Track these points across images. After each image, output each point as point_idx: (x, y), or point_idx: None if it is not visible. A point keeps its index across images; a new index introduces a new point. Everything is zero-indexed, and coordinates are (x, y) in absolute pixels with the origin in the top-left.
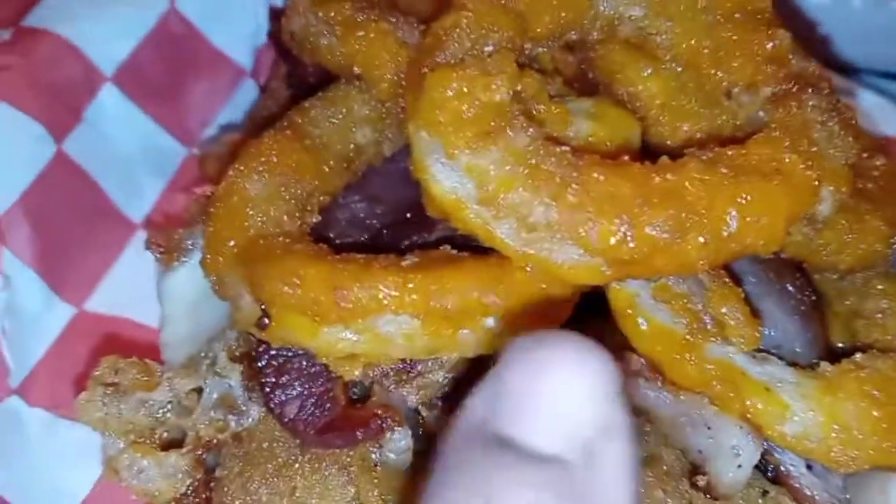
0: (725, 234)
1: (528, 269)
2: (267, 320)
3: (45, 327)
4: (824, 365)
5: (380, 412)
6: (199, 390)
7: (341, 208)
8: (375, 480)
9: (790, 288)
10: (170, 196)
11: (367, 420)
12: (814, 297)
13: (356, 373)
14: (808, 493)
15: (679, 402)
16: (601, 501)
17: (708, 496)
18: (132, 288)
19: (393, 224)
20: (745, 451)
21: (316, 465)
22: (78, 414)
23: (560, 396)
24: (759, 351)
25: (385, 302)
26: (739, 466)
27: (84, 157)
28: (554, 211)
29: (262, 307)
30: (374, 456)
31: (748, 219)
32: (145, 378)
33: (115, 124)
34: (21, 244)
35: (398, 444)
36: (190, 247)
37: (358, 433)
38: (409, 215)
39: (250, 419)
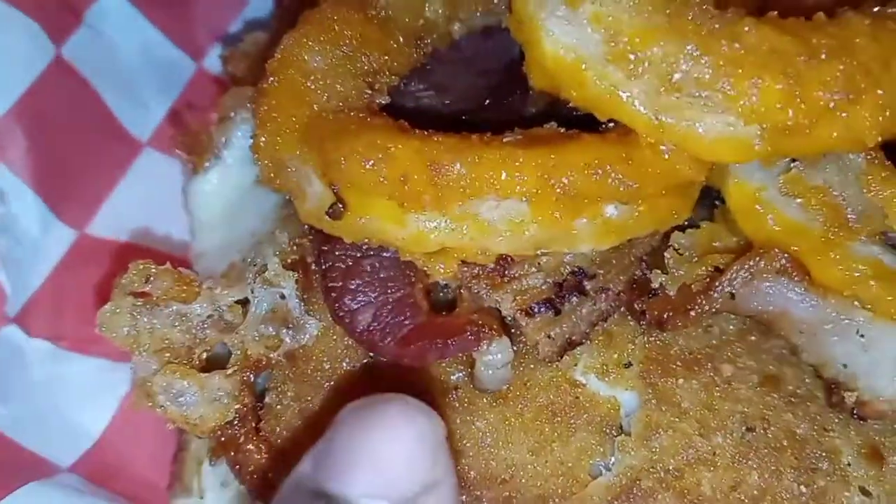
0: None
1: (662, 147)
2: (342, 207)
3: (44, 252)
4: None
5: (476, 318)
6: (245, 302)
7: (405, 97)
8: (456, 403)
9: None
10: (178, 115)
11: (459, 328)
12: None
13: (450, 270)
14: None
15: (826, 305)
16: None
17: (856, 416)
18: (138, 211)
19: (468, 111)
20: None
21: (388, 387)
22: (102, 328)
23: (384, 456)
24: None
25: (491, 180)
26: None
27: (85, 65)
28: (706, 66)
29: (336, 191)
30: (454, 377)
31: None
32: (182, 287)
33: (118, 31)
34: (17, 158)
35: (496, 356)
36: (222, 146)
37: (450, 344)
38: (487, 102)
39: (307, 335)
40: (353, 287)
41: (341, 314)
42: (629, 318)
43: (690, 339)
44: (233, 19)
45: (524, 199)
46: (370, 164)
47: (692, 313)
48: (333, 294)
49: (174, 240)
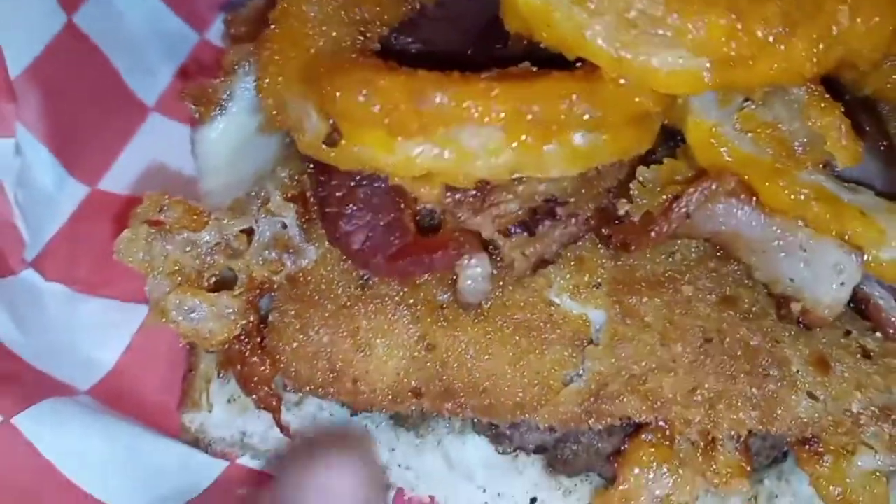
0: (835, 31)
1: (623, 81)
2: (337, 136)
3: (58, 205)
4: None
5: (457, 236)
6: (250, 232)
7: (394, 47)
8: (441, 320)
9: (867, 128)
10: (182, 82)
11: (443, 244)
12: (889, 142)
13: (435, 192)
14: None
15: (772, 223)
16: None
17: (801, 325)
18: (146, 170)
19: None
20: (847, 267)
21: (379, 305)
22: (120, 253)
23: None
24: (847, 181)
25: (470, 109)
26: (842, 284)
27: (95, 33)
28: (658, 3)
29: (332, 123)
30: (440, 297)
31: (858, 19)
32: (192, 217)
33: (126, 2)
34: (32, 117)
35: (476, 270)
36: (226, 97)
37: (436, 257)
38: (469, 52)
39: (306, 260)
40: (347, 212)
41: (337, 236)
42: (598, 245)
43: (655, 263)
44: None
45: (499, 126)
46: (362, 96)
47: (653, 234)
48: (329, 218)
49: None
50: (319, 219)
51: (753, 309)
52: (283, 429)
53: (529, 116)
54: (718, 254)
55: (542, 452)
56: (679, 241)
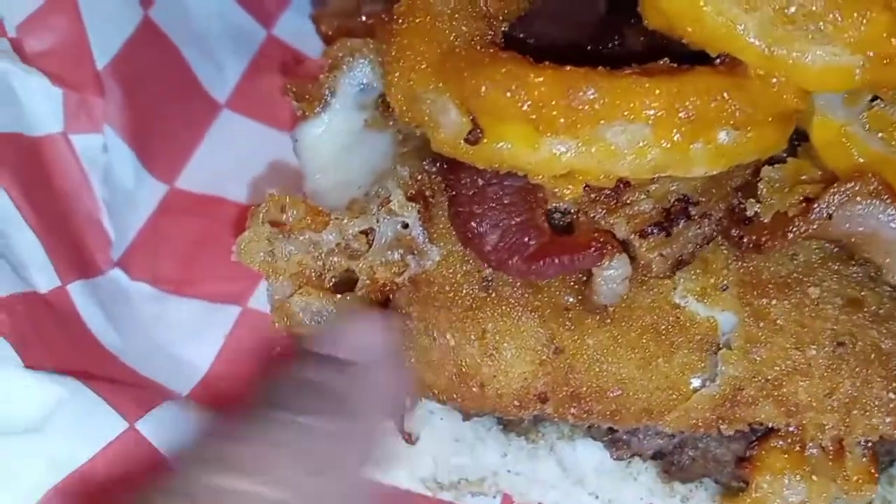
0: None
1: (773, 78)
2: (480, 133)
3: (139, 203)
4: None
5: (597, 236)
6: (369, 232)
7: (513, 42)
8: (567, 322)
9: None
10: (250, 79)
11: (583, 245)
12: None
13: (577, 191)
14: None
15: None
16: None
17: None
18: (220, 168)
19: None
20: None
21: (505, 308)
22: (240, 254)
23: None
24: None
25: (622, 105)
26: None
27: (169, 28)
28: None
29: (473, 119)
30: (565, 299)
31: None
32: (314, 217)
33: None
34: (114, 113)
35: (616, 271)
36: (329, 93)
37: (576, 258)
38: (588, 48)
39: (430, 261)
40: (479, 212)
41: (470, 236)
42: (722, 246)
43: (779, 265)
44: None
45: (650, 123)
46: (510, 91)
47: (790, 234)
48: (461, 218)
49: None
50: (450, 219)
51: (881, 311)
52: (406, 435)
53: (682, 114)
54: (840, 256)
55: (660, 458)
56: (800, 245)
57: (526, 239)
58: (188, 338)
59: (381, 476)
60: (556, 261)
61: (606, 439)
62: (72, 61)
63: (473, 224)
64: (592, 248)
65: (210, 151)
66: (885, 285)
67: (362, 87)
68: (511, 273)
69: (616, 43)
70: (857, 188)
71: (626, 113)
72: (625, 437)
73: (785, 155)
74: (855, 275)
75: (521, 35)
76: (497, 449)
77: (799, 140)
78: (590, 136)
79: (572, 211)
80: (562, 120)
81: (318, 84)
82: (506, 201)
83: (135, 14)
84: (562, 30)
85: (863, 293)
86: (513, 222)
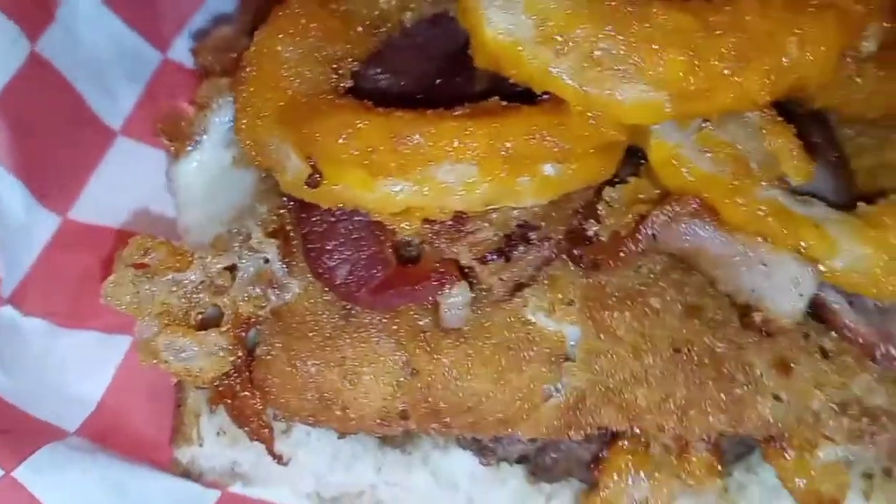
0: (786, 63)
1: (588, 113)
2: (319, 177)
3: (31, 236)
4: (861, 205)
5: (438, 267)
6: (233, 268)
7: (366, 80)
8: (423, 344)
9: (818, 141)
10: (147, 104)
11: (425, 276)
12: (838, 153)
13: (414, 227)
14: (852, 325)
15: (733, 241)
16: None
17: (764, 332)
18: (116, 196)
19: (421, 90)
20: (804, 280)
21: (364, 334)
22: (107, 298)
23: None
24: (800, 195)
25: (446, 148)
26: (800, 295)
27: (59, 59)
28: (621, 43)
29: (313, 164)
30: (421, 322)
31: (806, 48)
32: (176, 258)
33: (88, 25)
34: (2, 148)
35: (457, 298)
36: (201, 131)
37: (418, 288)
38: (437, 82)
39: (290, 293)
40: (329, 247)
41: (321, 271)
42: (570, 263)
43: (623, 278)
44: (196, 12)
45: (474, 162)
46: (342, 139)
47: (622, 254)
48: (313, 254)
49: (156, 220)
50: (303, 255)
51: (717, 318)
52: (276, 457)
53: (503, 152)
54: (682, 265)
55: (524, 462)
56: (644, 258)
57: (373, 272)
58: (80, 370)
59: (264, 492)
60: (400, 291)
61: (474, 448)
62: None
63: (324, 259)
64: (433, 279)
65: (105, 180)
66: (722, 295)
67: (230, 125)
68: (360, 304)
69: (465, 74)
70: (677, 209)
71: (451, 154)
72: (490, 444)
73: (628, 174)
74: (697, 283)
75: (377, 70)
76: (372, 464)
77: (640, 159)
78: (421, 177)
79: (418, 242)
80: (392, 163)
81: (189, 123)
82: (354, 236)
83: (21, 49)
84: (417, 62)
85: (703, 300)
86: (361, 256)
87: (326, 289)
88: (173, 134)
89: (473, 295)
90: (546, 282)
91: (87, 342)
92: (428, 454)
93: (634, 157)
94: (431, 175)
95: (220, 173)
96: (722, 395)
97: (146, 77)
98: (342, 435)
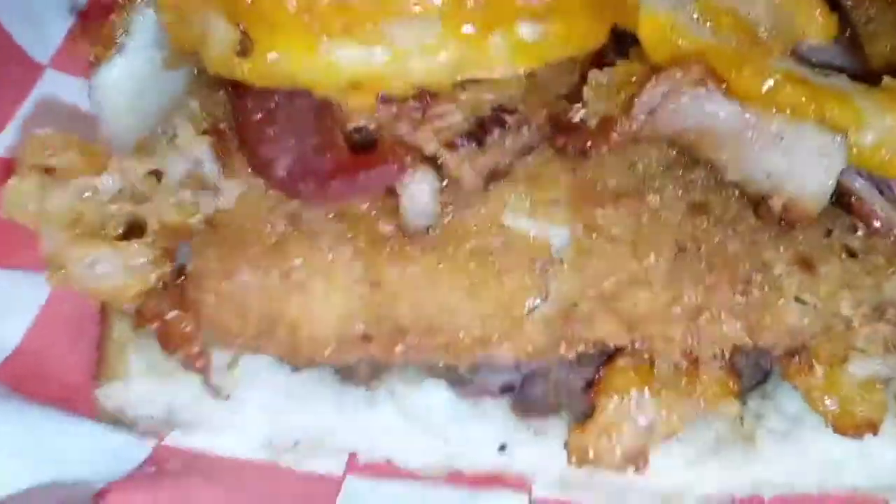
0: None
1: None
2: (250, 43)
3: None
4: (887, 79)
5: (397, 150)
6: (158, 174)
7: None
8: (386, 253)
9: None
10: (78, 35)
11: (381, 160)
12: (853, 29)
13: (368, 105)
14: (882, 214)
15: (745, 111)
16: None
17: (783, 223)
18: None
19: None
20: (832, 151)
21: (314, 242)
22: (6, 207)
23: None
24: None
25: None
26: (827, 169)
27: None
28: None
29: (243, 29)
30: (381, 230)
31: None
32: (90, 159)
33: None
34: None
35: (422, 186)
36: (124, 33)
37: (372, 174)
38: None
39: (225, 199)
40: (268, 136)
41: (259, 163)
42: (554, 160)
43: (616, 175)
44: None
45: (436, 15)
46: None
47: (614, 135)
48: (249, 145)
49: None
50: (238, 147)
51: (726, 215)
52: (215, 390)
53: (470, 2)
54: (683, 162)
55: (509, 392)
56: (640, 153)
57: (321, 162)
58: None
59: (207, 441)
60: (351, 179)
61: (449, 379)
62: None
63: (262, 150)
64: (390, 162)
65: (33, 113)
66: (732, 188)
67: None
68: (305, 199)
69: None
70: (679, 77)
71: (409, 5)
72: (468, 375)
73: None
74: (699, 180)
75: None
76: (332, 400)
77: (628, 45)
78: (372, 36)
79: (374, 128)
80: (336, 21)
81: (110, 26)
82: (298, 123)
83: None
84: None
85: (708, 197)
86: (306, 145)
87: (267, 186)
88: (95, 39)
89: (441, 184)
90: (527, 180)
91: (6, 282)
92: (395, 390)
93: (622, 44)
94: (385, 34)
95: (148, 77)
96: (738, 298)
97: (76, 8)
98: (296, 368)
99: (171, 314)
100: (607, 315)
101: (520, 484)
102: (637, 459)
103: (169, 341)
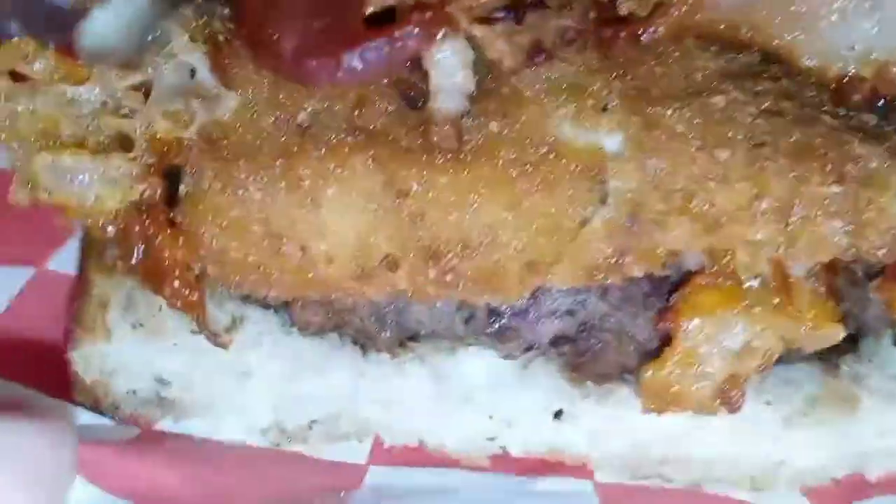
0: None
1: None
2: None
3: None
4: None
5: (421, 18)
6: (146, 89)
7: None
8: (411, 161)
9: None
10: None
11: (404, 26)
12: None
13: None
14: None
15: None
16: None
17: (880, 105)
18: None
19: None
20: None
21: (328, 152)
22: None
23: None
24: None
25: None
26: None
27: None
28: None
29: None
30: (404, 143)
31: None
32: (69, 69)
33: None
34: None
35: (451, 58)
36: None
37: (394, 38)
38: None
39: (223, 108)
40: (274, 15)
41: (263, 48)
42: (599, 69)
43: (672, 79)
44: None
45: None
46: None
47: (672, 11)
48: (252, 25)
49: None
50: (237, 31)
51: (804, 114)
52: (212, 335)
53: None
54: (748, 70)
55: (563, 344)
56: (695, 63)
57: (334, 38)
58: None
59: (207, 430)
60: (373, 47)
61: (490, 334)
62: None
63: (267, 30)
64: (414, 26)
65: None
66: (806, 92)
67: None
68: (315, 79)
69: None
70: None
71: None
72: (512, 322)
73: None
74: (769, 90)
75: None
76: (351, 367)
77: None
78: None
79: (395, 4)
80: None
81: None
82: (308, 3)
83: None
84: None
85: (781, 105)
86: (317, 23)
87: (285, 99)
88: None
89: (474, 56)
90: (569, 90)
91: None
92: (426, 357)
93: None
94: None
95: (138, 17)
96: (834, 188)
97: None
98: (304, 326)
99: (159, 238)
100: (680, 217)
101: (579, 469)
102: (729, 395)
103: (155, 273)
